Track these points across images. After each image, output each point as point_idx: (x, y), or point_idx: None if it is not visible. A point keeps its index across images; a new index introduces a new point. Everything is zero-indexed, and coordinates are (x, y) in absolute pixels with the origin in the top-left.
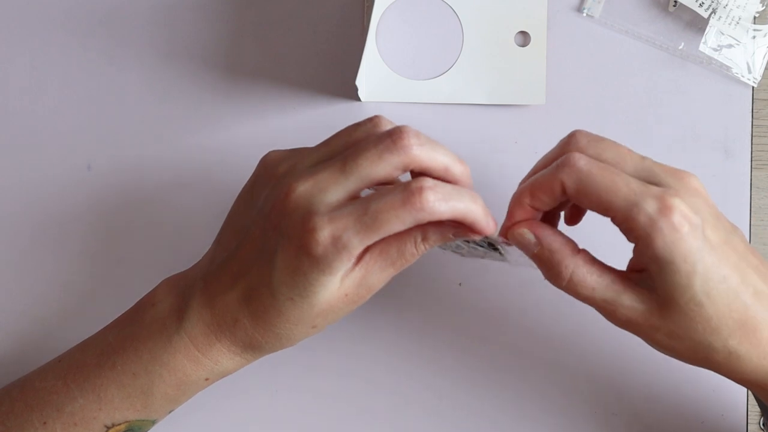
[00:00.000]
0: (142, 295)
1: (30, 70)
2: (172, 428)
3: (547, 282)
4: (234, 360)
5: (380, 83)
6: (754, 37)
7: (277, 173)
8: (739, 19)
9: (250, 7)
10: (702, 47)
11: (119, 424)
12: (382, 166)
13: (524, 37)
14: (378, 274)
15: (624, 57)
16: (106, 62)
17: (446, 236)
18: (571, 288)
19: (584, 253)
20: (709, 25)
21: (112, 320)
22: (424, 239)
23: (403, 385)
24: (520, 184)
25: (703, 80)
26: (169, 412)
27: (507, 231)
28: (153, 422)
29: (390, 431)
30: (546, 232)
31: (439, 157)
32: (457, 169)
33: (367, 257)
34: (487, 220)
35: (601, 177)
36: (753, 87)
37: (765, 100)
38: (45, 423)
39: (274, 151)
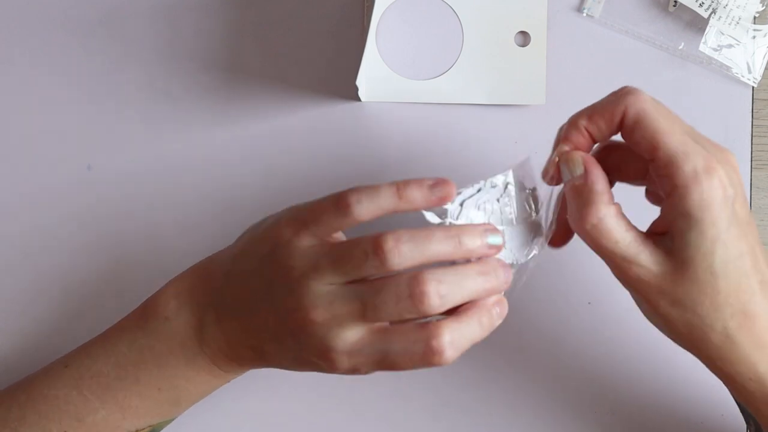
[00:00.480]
0: (142, 295)
1: (30, 70)
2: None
3: (547, 283)
4: (247, 368)
5: (380, 83)
6: (754, 37)
7: (293, 274)
8: (739, 19)
9: (250, 7)
10: (702, 47)
11: (142, 429)
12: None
13: (524, 37)
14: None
15: (624, 57)
16: (106, 62)
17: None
18: (594, 233)
19: (617, 206)
20: (709, 25)
21: (111, 320)
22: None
23: (403, 385)
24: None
25: (703, 80)
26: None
27: (561, 153)
28: (173, 420)
29: (390, 431)
30: (595, 169)
31: (380, 204)
32: (404, 206)
33: None
34: (432, 196)
35: (663, 116)
36: (753, 87)
37: (765, 100)
38: None
39: (287, 223)
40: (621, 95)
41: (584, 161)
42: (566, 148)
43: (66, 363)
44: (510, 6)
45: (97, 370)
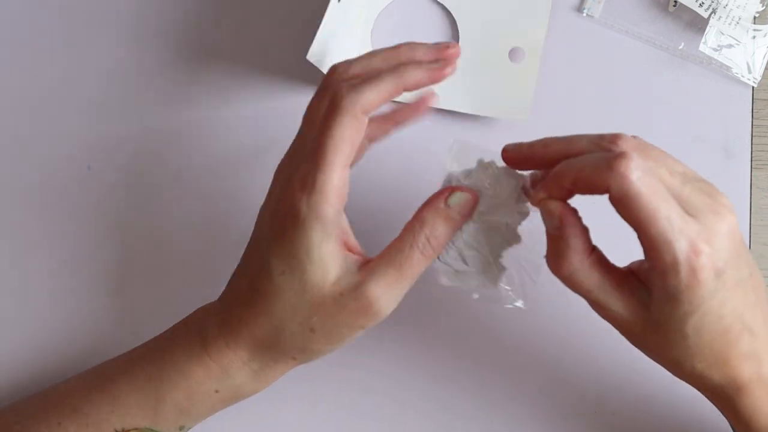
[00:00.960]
0: (142, 294)
1: (30, 69)
2: None
3: (547, 282)
4: (243, 371)
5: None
6: (754, 37)
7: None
8: (739, 19)
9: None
10: (702, 47)
11: (129, 430)
12: (340, 139)
13: (518, 54)
14: (379, 278)
15: (624, 57)
16: (106, 62)
17: (441, 210)
18: (567, 282)
19: (595, 254)
20: (709, 25)
21: (111, 320)
22: (422, 225)
23: (402, 387)
24: (551, 142)
25: (703, 80)
26: (181, 429)
27: (539, 200)
28: None
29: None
30: (570, 221)
31: (380, 90)
32: (410, 82)
33: (370, 262)
34: (436, 68)
35: (648, 200)
36: (753, 87)
37: (765, 100)
38: (60, 423)
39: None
40: (608, 168)
41: (560, 214)
42: (542, 195)
43: (93, 368)
44: (510, 21)
45: (110, 367)
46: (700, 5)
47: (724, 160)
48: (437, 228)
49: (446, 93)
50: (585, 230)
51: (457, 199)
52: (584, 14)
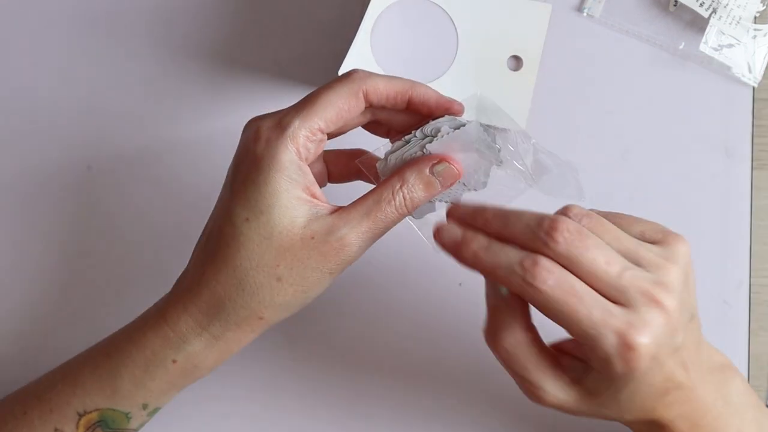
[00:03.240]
0: (142, 295)
1: (30, 69)
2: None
3: None
4: (202, 338)
5: None
6: (754, 36)
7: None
8: (740, 18)
9: (251, 5)
10: (702, 47)
11: (91, 412)
12: (335, 95)
13: (517, 62)
14: (353, 226)
15: (624, 57)
16: (106, 62)
17: (425, 175)
18: (504, 356)
19: (534, 332)
20: (710, 24)
21: (110, 320)
22: (403, 183)
23: (402, 385)
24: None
25: (704, 80)
26: (144, 408)
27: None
28: (126, 416)
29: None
30: (495, 301)
31: (393, 82)
32: (421, 90)
33: (342, 209)
34: (446, 99)
35: (564, 304)
36: (753, 87)
37: (765, 99)
38: (25, 413)
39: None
40: (520, 278)
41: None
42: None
43: None
44: (509, 29)
45: (74, 357)
46: (701, 5)
47: (725, 160)
48: (417, 191)
49: None
50: (527, 306)
51: (443, 169)
52: (584, 14)
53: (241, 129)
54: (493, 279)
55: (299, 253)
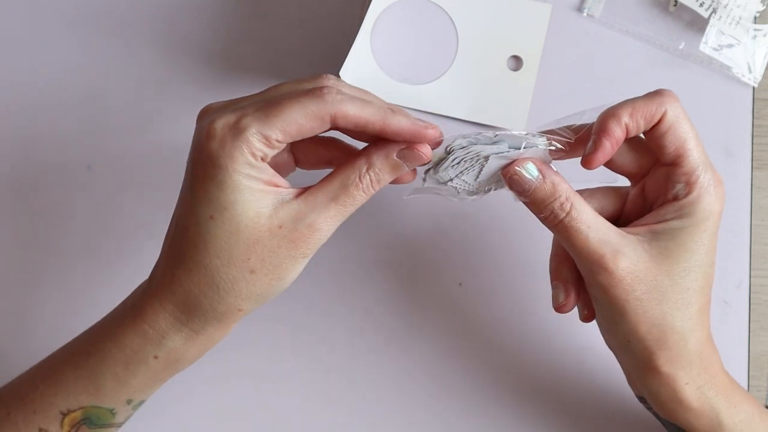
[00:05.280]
0: None
1: (30, 69)
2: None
3: (546, 282)
4: (181, 333)
5: (367, 79)
6: (754, 36)
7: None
8: (740, 18)
9: (252, 5)
10: (702, 47)
11: (75, 410)
12: (301, 112)
13: (517, 62)
14: (321, 210)
15: (624, 57)
16: (107, 62)
17: (392, 160)
18: (573, 225)
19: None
20: (710, 24)
21: None
22: (369, 167)
23: (403, 384)
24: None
25: (704, 80)
26: (129, 403)
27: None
28: (111, 412)
29: (388, 430)
30: (551, 170)
31: (364, 110)
32: (394, 122)
33: (308, 192)
34: (421, 126)
35: (691, 126)
36: (753, 87)
37: (765, 99)
38: (9, 414)
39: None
40: (660, 97)
41: (537, 166)
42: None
43: None
44: (509, 29)
45: (54, 355)
46: (701, 5)
47: (725, 160)
48: (383, 174)
49: (445, 99)
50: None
51: (408, 154)
52: (584, 14)
53: None
54: (631, 113)
55: (269, 244)
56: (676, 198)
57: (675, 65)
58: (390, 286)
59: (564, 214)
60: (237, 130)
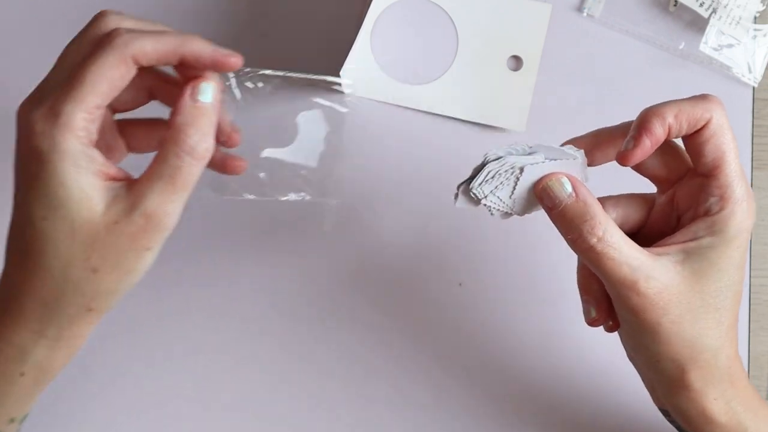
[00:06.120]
0: (142, 295)
1: (30, 69)
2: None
3: (546, 282)
4: (40, 345)
5: (367, 79)
6: (754, 36)
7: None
8: (740, 18)
9: (252, 5)
10: (702, 47)
11: None
12: (102, 68)
13: (517, 62)
14: (152, 196)
15: (624, 57)
16: None
17: (197, 106)
18: (601, 248)
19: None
20: (710, 24)
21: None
22: (187, 137)
23: (402, 384)
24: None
25: (704, 80)
26: (12, 421)
27: (546, 179)
28: None
29: (390, 431)
30: (584, 187)
31: (162, 42)
32: (194, 47)
33: (139, 181)
34: (222, 53)
35: (734, 138)
36: (753, 87)
37: (765, 100)
38: None
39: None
40: (706, 102)
41: (572, 182)
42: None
43: None
44: (509, 29)
45: None
46: (701, 5)
47: None
48: (199, 129)
49: (445, 99)
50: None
51: (205, 89)
52: (584, 14)
53: (242, 128)
54: (676, 114)
55: (107, 241)
56: (707, 213)
57: (675, 65)
58: (390, 286)
59: (595, 240)
60: (54, 117)
